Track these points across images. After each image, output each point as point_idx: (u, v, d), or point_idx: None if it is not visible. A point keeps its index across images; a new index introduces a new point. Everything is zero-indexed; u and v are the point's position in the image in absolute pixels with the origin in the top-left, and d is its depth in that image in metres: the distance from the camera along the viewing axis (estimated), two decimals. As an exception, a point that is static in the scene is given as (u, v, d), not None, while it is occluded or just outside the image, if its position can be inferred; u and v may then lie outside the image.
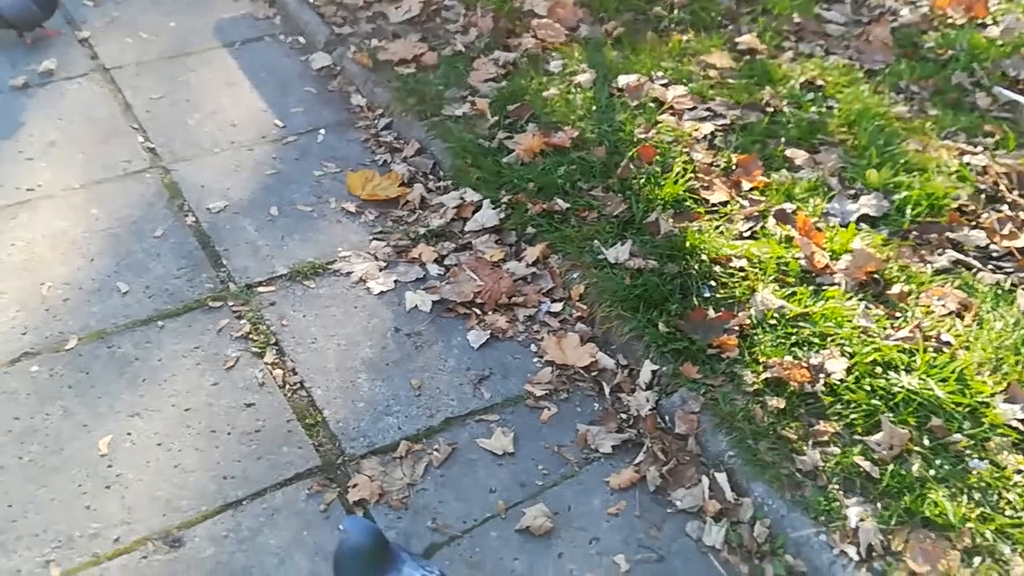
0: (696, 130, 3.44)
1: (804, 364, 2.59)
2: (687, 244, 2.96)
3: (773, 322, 2.73)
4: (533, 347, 2.85)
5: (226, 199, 3.29)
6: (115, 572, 2.23)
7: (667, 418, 2.60)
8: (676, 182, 3.17)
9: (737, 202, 3.18)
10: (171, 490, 2.40)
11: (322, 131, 3.64)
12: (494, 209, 3.22)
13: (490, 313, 2.94)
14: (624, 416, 2.63)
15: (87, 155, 3.45)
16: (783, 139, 3.44)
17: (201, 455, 2.49)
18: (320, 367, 2.75)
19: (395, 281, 3.02)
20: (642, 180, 3.21)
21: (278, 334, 2.84)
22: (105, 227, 3.15)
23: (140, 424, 2.56)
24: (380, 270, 3.06)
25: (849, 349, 2.64)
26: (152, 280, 2.98)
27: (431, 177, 3.44)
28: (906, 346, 2.65)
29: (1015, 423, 2.47)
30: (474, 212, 3.23)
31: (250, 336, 2.83)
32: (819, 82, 3.76)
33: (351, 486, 2.42)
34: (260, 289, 2.98)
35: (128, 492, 2.40)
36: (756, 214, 3.13)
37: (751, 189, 3.23)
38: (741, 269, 2.90)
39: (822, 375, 2.57)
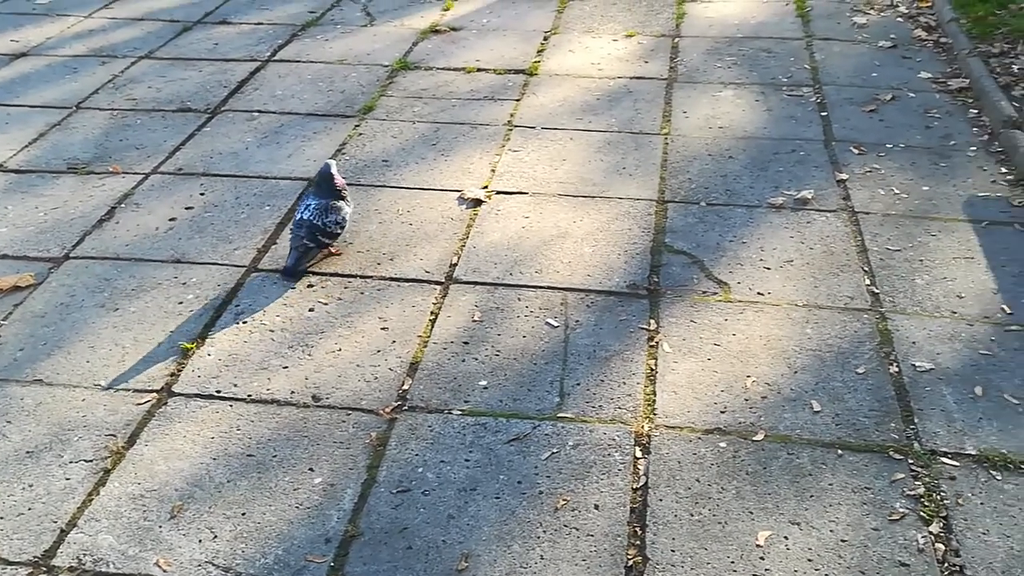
0: None
1: None
2: None
3: None
4: None
5: (933, 362, 3.31)
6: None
7: None
8: None
9: None
10: (809, 606, 2.50)
11: (1050, 330, 3.47)
12: None
13: None
14: None
15: (815, 280, 3.75)
16: None
17: (846, 588, 2.55)
18: (986, 561, 2.61)
19: (1095, 511, 2.75)
20: None
21: (950, 510, 2.77)
22: (814, 348, 3.39)
23: (797, 533, 2.70)
24: (1081, 492, 2.81)
25: None
26: (843, 410, 3.12)
27: None
28: None
29: None
30: None
31: (921, 499, 2.80)
32: None
33: None
34: (944, 460, 2.93)
35: (771, 588, 2.55)
36: None
37: None
38: None
39: None
